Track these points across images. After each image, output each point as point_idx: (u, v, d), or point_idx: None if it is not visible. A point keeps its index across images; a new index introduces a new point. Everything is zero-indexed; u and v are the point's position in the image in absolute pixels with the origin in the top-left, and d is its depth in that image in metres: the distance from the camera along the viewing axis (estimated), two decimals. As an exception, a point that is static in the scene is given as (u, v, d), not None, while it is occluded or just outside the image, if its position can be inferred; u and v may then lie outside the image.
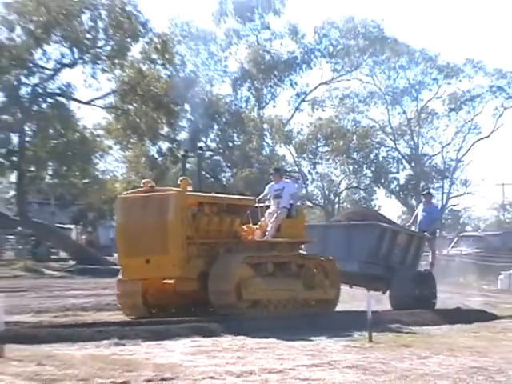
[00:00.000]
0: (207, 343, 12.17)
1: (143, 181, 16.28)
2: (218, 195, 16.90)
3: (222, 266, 14.75)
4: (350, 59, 54.31)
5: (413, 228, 20.34)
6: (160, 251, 14.57)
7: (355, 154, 54.76)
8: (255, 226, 16.46)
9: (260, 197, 16.83)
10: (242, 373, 9.60)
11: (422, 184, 54.57)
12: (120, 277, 15.47)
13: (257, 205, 16.76)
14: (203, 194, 16.27)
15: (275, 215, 16.23)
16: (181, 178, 15.79)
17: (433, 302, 18.46)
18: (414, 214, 21.24)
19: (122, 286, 15.27)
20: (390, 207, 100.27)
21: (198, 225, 14.87)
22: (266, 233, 16.27)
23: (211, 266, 14.76)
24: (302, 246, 17.41)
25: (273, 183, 17.07)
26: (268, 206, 16.57)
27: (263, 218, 16.41)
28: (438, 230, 22.76)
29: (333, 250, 17.67)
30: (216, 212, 15.34)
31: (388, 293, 18.43)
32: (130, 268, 15.24)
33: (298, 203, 18.45)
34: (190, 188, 15.80)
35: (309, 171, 57.31)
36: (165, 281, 15.18)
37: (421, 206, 21.31)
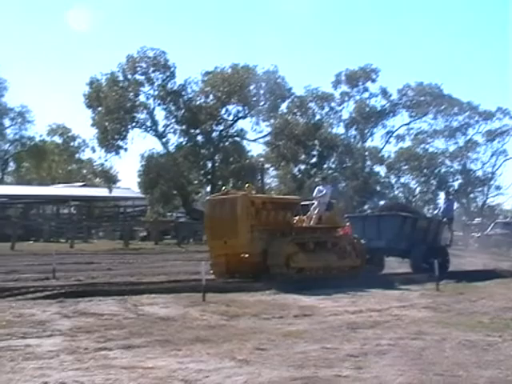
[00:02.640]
0: (332, 293, 15.55)
1: (223, 188, 20.72)
2: (274, 196, 21.71)
3: (275, 245, 18.37)
4: (421, 109, 72.41)
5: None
6: (233, 235, 18.13)
7: (425, 170, 73.04)
8: (304, 217, 20.22)
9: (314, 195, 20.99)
10: (354, 311, 12.72)
11: (469, 189, 72.40)
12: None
13: (306, 202, 20.96)
14: (262, 195, 21.44)
15: (317, 209, 20.22)
16: (247, 185, 19.89)
17: (445, 267, 21.49)
18: (440, 206, 26.76)
19: (213, 260, 18.97)
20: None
21: (260, 216, 18.60)
22: (311, 222, 20.17)
23: (269, 245, 18.37)
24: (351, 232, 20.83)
25: (320, 187, 21.43)
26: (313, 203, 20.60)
27: (310, 212, 20.33)
28: (453, 216, 26.25)
29: (368, 233, 21.99)
30: (272, 207, 19.16)
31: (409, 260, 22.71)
32: (215, 247, 19.00)
33: (334, 201, 21.39)
34: (253, 192, 19.76)
35: (395, 182, 77.21)
36: (241, 255, 18.22)
37: (443, 201, 27.39)
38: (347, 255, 19.69)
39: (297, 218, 20.00)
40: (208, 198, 21.27)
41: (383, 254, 22.74)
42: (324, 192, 20.54)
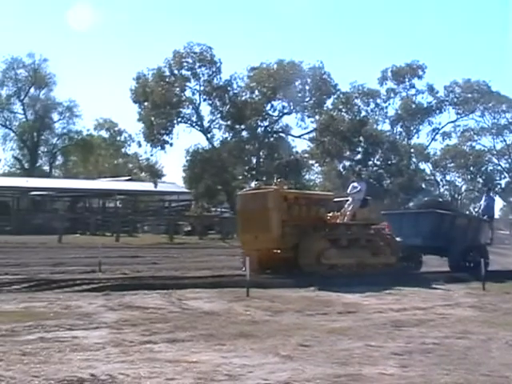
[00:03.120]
0: (375, 290, 15.44)
1: (255, 183, 21.91)
2: (306, 191, 21.53)
3: (306, 241, 18.15)
4: (468, 106, 71.78)
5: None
6: (264, 230, 17.95)
7: (471, 167, 72.26)
8: (338, 214, 20.13)
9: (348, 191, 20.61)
10: (399, 309, 12.69)
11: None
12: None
13: (341, 199, 20.71)
14: (293, 191, 20.61)
15: (352, 206, 20.01)
16: (278, 180, 20.02)
17: (486, 266, 20.03)
18: (481, 204, 25.38)
19: (245, 254, 17.71)
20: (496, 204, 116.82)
21: (292, 211, 18.41)
22: (345, 218, 19.95)
23: (300, 240, 18.12)
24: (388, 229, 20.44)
25: (354, 183, 21.01)
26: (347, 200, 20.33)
27: (344, 208, 20.14)
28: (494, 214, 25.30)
29: (405, 230, 21.40)
30: (305, 203, 18.91)
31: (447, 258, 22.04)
32: (246, 242, 18.92)
33: (369, 198, 20.96)
34: (285, 187, 19.63)
35: (441, 179, 77.54)
36: (273, 251, 18.23)
37: (483, 198, 25.89)
38: (381, 252, 19.49)
39: (330, 214, 19.86)
40: (240, 192, 20.93)
41: (421, 252, 22.43)
42: (358, 188, 20.33)
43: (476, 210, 26.73)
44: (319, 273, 17.42)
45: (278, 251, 18.22)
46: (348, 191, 20.74)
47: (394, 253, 19.77)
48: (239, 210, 19.58)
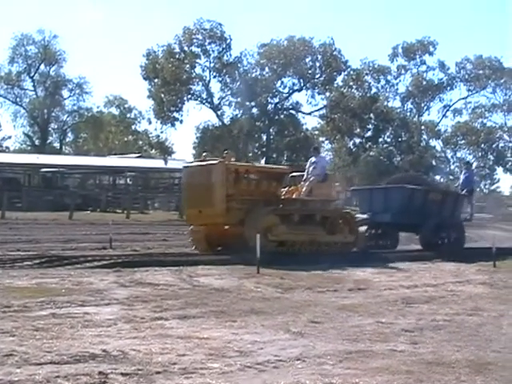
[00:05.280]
0: (386, 267, 15.74)
1: (203, 154, 19.73)
2: (256, 165, 19.79)
3: (253, 216, 17.20)
4: (479, 82, 71.64)
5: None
6: (208, 204, 17.10)
7: (482, 144, 72.07)
8: (296, 188, 19.21)
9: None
10: (409, 286, 12.77)
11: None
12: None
13: (299, 173, 19.68)
14: (241, 164, 19.26)
15: (309, 181, 19.08)
16: (226, 152, 18.71)
17: (460, 243, 21.04)
18: (460, 178, 24.50)
19: (192, 231, 18.44)
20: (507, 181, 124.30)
21: (239, 185, 17.46)
22: (301, 193, 19.04)
23: (247, 215, 17.17)
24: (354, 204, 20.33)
25: (312, 158, 20.06)
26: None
27: (302, 183, 19.25)
28: (474, 189, 24.21)
29: (374, 206, 21.05)
30: (255, 177, 18.14)
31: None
32: (191, 217, 18.30)
33: (328, 172, 20.18)
34: (233, 159, 18.49)
35: (451, 156, 78.14)
36: (225, 228, 17.59)
37: (463, 172, 25.45)
38: (338, 230, 18.59)
39: (286, 189, 19.07)
40: (184, 165, 19.67)
41: (396, 229, 21.58)
42: (317, 163, 19.42)
43: (456, 185, 25.32)
44: (266, 250, 15.61)
45: (227, 227, 17.50)
46: (307, 166, 19.84)
47: (352, 231, 18.88)
48: (184, 183, 18.78)
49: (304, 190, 18.90)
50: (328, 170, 19.64)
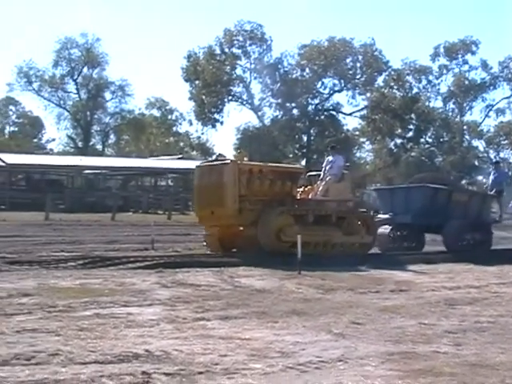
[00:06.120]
0: (428, 268, 15.71)
1: (217, 154, 19.65)
2: (269, 164, 18.78)
3: (265, 216, 16.92)
4: None
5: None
6: (219, 205, 16.84)
7: None
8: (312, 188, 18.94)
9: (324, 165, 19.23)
10: (452, 287, 12.61)
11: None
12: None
13: (316, 173, 19.48)
14: (254, 163, 18.53)
15: (325, 180, 18.75)
16: (238, 152, 19.49)
17: (487, 244, 20.61)
18: (490, 178, 23.61)
19: (206, 232, 18.19)
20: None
21: (252, 185, 17.13)
22: (317, 193, 18.70)
23: (259, 216, 16.88)
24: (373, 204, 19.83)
25: (329, 157, 19.67)
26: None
27: (318, 182, 18.89)
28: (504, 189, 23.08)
29: (395, 207, 20.53)
30: (269, 177, 17.59)
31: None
32: (202, 218, 17.97)
33: (346, 171, 19.41)
34: (246, 159, 18.20)
35: (494, 157, 76.50)
36: (240, 229, 17.32)
37: (492, 172, 24.08)
38: (355, 231, 18.20)
39: (301, 189, 18.73)
40: (196, 165, 19.24)
41: (419, 231, 20.92)
42: (334, 162, 19.07)
43: (485, 185, 25.09)
44: (279, 251, 16.10)
45: (241, 228, 17.23)
46: (324, 165, 19.38)
47: (370, 232, 18.44)
48: (195, 184, 18.42)
49: (320, 189, 18.60)
50: (344, 169, 19.24)
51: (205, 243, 18.23)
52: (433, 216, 19.88)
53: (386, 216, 20.46)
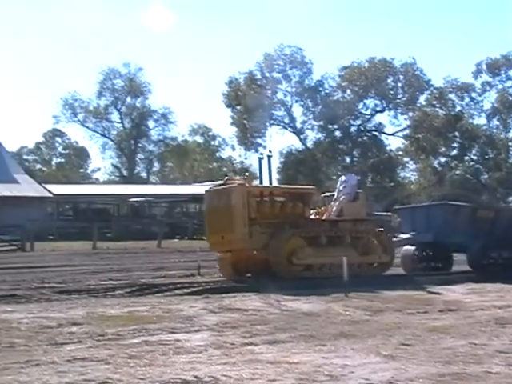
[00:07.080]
0: (477, 287, 15.56)
1: (225, 177, 19.22)
2: (279, 186, 19.12)
3: (276, 239, 16.60)
4: None
5: None
6: (228, 229, 16.47)
7: None
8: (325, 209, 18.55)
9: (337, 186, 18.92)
10: (502, 306, 12.51)
11: None
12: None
13: (330, 193, 19.26)
14: (263, 186, 18.53)
15: (339, 200, 18.39)
16: (246, 174, 18.99)
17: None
18: None
19: (218, 258, 17.93)
20: None
21: (262, 208, 16.94)
22: (331, 214, 18.27)
23: (270, 239, 16.59)
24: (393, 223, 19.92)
25: (342, 177, 19.49)
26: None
27: (332, 203, 18.50)
28: None
29: (416, 226, 20.14)
30: (279, 199, 17.54)
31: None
32: (213, 243, 17.53)
33: (360, 190, 19.11)
34: (254, 182, 18.56)
35: None
36: (253, 253, 16.91)
37: None
38: (372, 251, 17.92)
39: (314, 210, 18.43)
40: (206, 189, 18.79)
41: (443, 250, 20.34)
42: (347, 182, 18.72)
43: None
44: (292, 275, 15.96)
45: (255, 252, 16.83)
46: (337, 185, 19.11)
47: (387, 251, 18.15)
48: (206, 208, 18.16)
49: (334, 209, 18.22)
50: (357, 188, 18.99)
51: (218, 269, 18.04)
52: (455, 234, 19.50)
53: (407, 235, 20.11)
